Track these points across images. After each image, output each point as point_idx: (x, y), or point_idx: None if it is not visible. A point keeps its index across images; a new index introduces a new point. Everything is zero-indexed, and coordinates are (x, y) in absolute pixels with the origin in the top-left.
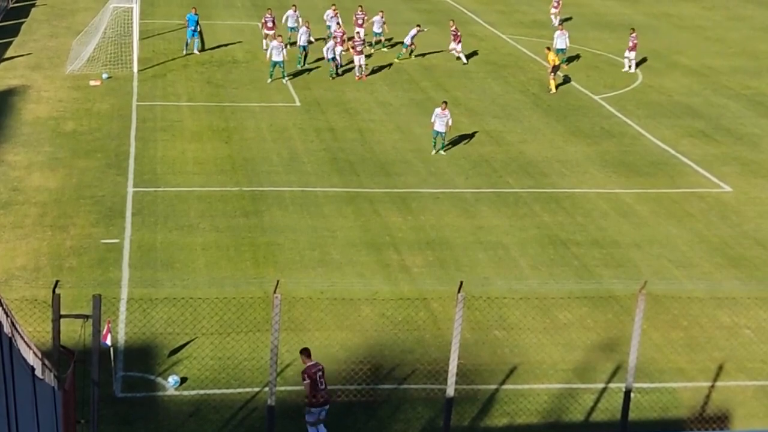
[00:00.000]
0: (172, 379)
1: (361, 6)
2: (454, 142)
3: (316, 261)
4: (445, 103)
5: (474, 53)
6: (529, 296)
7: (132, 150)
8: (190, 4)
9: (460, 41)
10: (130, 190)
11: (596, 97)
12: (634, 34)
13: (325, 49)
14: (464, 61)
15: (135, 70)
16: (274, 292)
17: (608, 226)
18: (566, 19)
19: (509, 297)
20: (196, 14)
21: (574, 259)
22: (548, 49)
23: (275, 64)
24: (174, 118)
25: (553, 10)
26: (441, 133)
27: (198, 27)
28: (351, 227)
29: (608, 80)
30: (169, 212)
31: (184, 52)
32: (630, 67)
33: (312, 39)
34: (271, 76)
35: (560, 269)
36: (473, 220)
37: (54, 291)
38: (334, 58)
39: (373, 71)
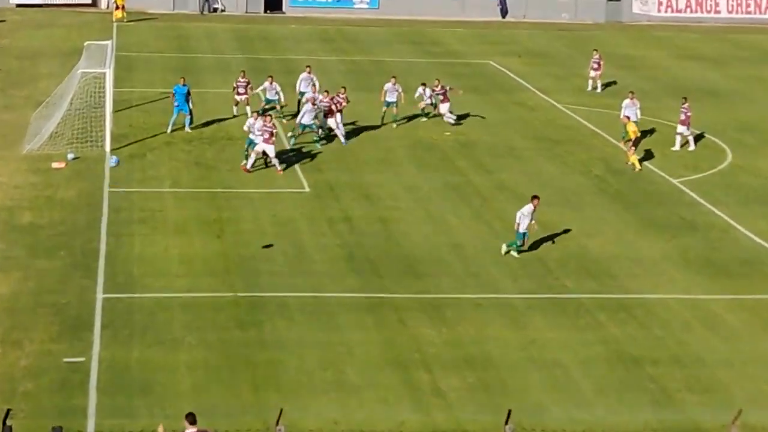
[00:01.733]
0: None
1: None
2: (497, 235)
3: (328, 384)
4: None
5: (523, 127)
6: (594, 428)
7: (102, 247)
8: (174, 69)
9: (448, 101)
10: (100, 296)
11: (675, 181)
12: (686, 105)
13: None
14: (452, 120)
15: (107, 149)
16: (277, 423)
17: (692, 341)
18: (609, 84)
19: (569, 429)
20: (184, 85)
21: (650, 382)
22: (627, 118)
23: (251, 141)
24: (155, 207)
25: (592, 73)
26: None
27: (189, 102)
28: (372, 341)
29: (690, 160)
30: (148, 324)
31: (169, 130)
32: (687, 143)
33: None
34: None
35: (633, 394)
36: (523, 333)
37: (4, 423)
38: (311, 126)
39: (400, 147)
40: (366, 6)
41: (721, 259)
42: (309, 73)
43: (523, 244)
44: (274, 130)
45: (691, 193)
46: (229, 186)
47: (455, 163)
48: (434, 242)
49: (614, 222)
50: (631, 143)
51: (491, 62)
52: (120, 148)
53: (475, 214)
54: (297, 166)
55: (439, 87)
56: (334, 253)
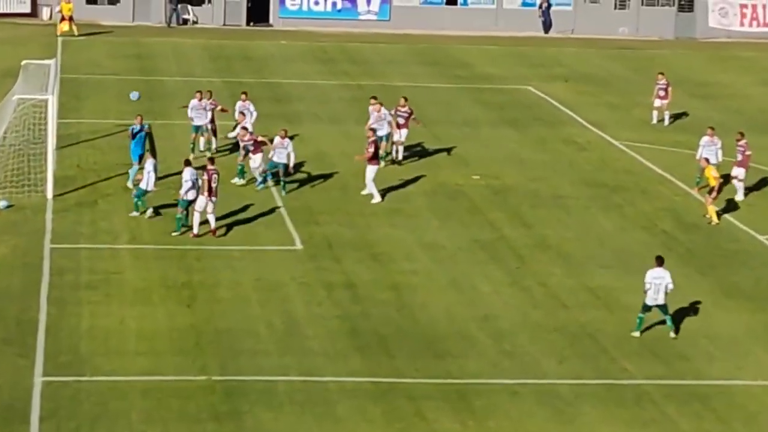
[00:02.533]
0: None
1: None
2: (537, 304)
3: None
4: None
5: (571, 169)
6: None
7: (42, 318)
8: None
9: (407, 128)
10: (39, 379)
11: (762, 238)
12: (742, 141)
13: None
14: (399, 157)
15: (49, 195)
16: None
17: None
18: (679, 116)
19: None
20: (141, 124)
21: None
22: (706, 160)
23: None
24: (108, 268)
25: (657, 101)
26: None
27: (148, 144)
28: None
29: None
30: (99, 414)
31: (130, 184)
32: (738, 191)
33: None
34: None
35: None
36: (571, 427)
37: None
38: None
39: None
40: (374, 17)
41: None
42: (244, 101)
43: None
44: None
45: None
46: (203, 242)
47: (486, 214)
48: (459, 314)
49: (686, 289)
50: (709, 191)
51: (531, 88)
52: (65, 194)
53: (511, 280)
54: (287, 218)
55: (406, 108)
56: (333, 326)
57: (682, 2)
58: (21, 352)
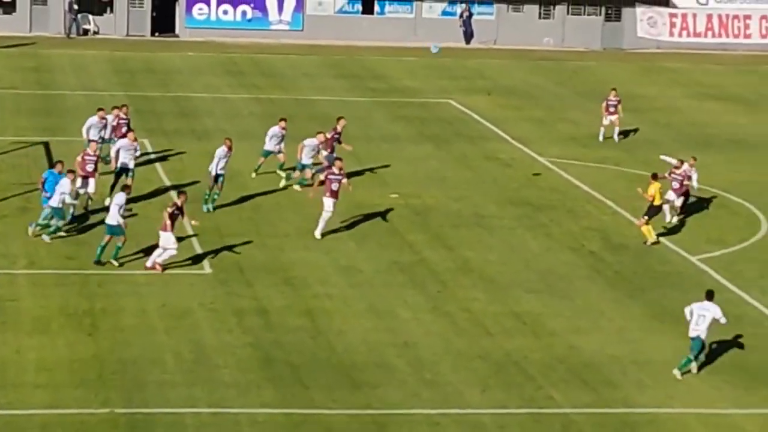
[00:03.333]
0: None
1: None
2: (460, 331)
3: None
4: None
5: (495, 188)
6: None
7: None
8: (32, 110)
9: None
10: None
11: (694, 259)
12: (683, 168)
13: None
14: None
15: None
16: None
17: None
18: (628, 132)
19: None
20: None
21: None
22: (654, 178)
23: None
24: (4, 295)
25: (606, 119)
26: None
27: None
28: None
29: (713, 231)
30: None
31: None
32: (672, 217)
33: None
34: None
35: None
36: None
37: None
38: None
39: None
40: (286, 27)
41: (756, 362)
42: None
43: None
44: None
45: (715, 275)
46: (105, 267)
47: (406, 236)
48: (378, 341)
49: (614, 314)
50: (646, 209)
51: (452, 102)
52: None
53: (432, 305)
54: (194, 239)
55: (339, 128)
56: (244, 355)
57: (609, 11)
58: None
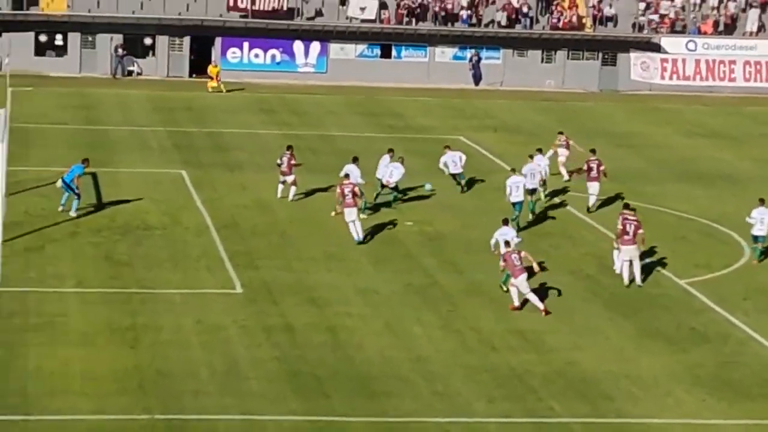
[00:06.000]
0: None
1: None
2: (468, 347)
3: None
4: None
5: (501, 217)
6: None
7: None
8: (80, 144)
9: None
10: None
11: (682, 282)
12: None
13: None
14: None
15: None
16: None
17: None
18: (624, 167)
19: None
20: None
21: None
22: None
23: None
24: (55, 311)
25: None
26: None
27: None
28: None
29: (701, 257)
30: None
31: (61, 208)
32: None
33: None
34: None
35: None
36: None
37: None
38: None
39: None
40: (312, 70)
41: (739, 378)
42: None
43: None
44: None
45: (702, 297)
46: (146, 286)
47: (420, 260)
48: (393, 356)
49: (610, 332)
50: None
51: (462, 138)
52: (13, 239)
53: (443, 323)
54: (227, 262)
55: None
56: (271, 368)
57: (606, 56)
58: None
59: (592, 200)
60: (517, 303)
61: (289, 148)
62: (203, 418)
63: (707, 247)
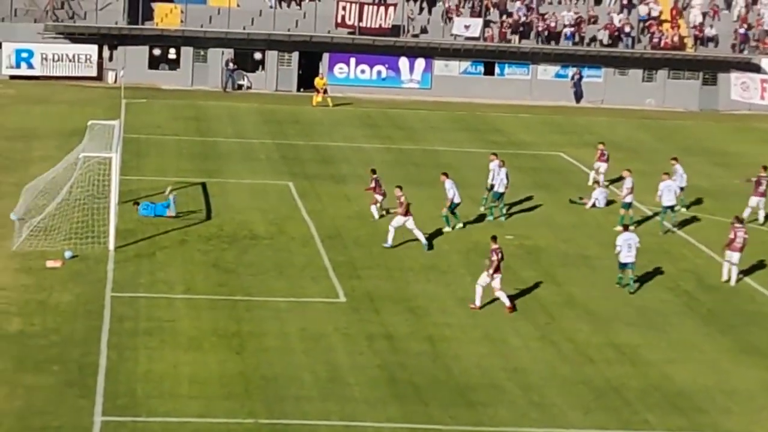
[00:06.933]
0: None
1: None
2: (565, 358)
3: None
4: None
5: (599, 232)
6: None
7: (103, 361)
8: (191, 154)
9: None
10: (98, 419)
11: None
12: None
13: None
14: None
15: (111, 246)
16: None
17: None
18: (723, 184)
19: None
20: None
21: None
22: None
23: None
24: (164, 316)
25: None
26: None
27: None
28: None
29: None
30: None
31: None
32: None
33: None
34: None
35: None
36: None
37: None
38: None
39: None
40: (416, 86)
41: None
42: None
43: None
44: None
45: None
46: (252, 294)
47: (518, 272)
48: (491, 366)
49: (706, 347)
50: None
51: (562, 154)
52: (126, 245)
53: (540, 334)
54: (331, 272)
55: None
56: (372, 375)
57: (707, 76)
58: (82, 393)
59: (747, 212)
60: (478, 303)
61: (374, 171)
62: (305, 423)
63: None
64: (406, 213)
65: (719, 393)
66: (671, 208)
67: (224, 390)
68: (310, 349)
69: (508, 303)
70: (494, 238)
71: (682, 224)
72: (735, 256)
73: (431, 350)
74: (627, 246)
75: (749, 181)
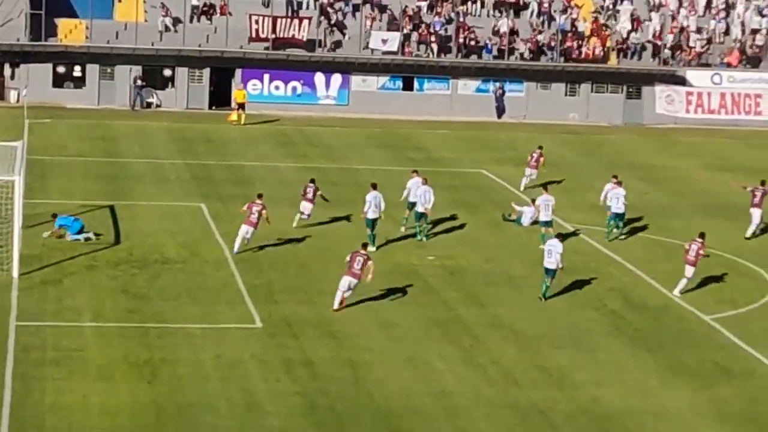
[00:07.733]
0: None
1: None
2: (491, 382)
3: None
4: None
5: (523, 250)
6: None
7: (7, 394)
8: (99, 176)
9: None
10: None
11: (707, 318)
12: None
13: None
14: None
15: (15, 273)
16: None
17: None
18: (645, 199)
19: None
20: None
21: None
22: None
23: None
24: (72, 345)
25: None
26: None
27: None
28: None
29: (725, 293)
30: None
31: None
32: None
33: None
34: None
35: None
36: None
37: None
38: None
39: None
40: (333, 102)
41: (764, 413)
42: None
43: None
44: None
45: (727, 333)
46: (164, 320)
47: (441, 294)
48: (414, 391)
49: (633, 368)
50: None
51: (484, 171)
52: (30, 272)
53: (465, 357)
54: (246, 296)
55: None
56: (291, 403)
57: (631, 89)
58: None
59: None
60: (336, 305)
61: (313, 181)
62: None
63: (731, 283)
64: (256, 224)
65: (648, 415)
66: (619, 216)
67: (136, 420)
68: (225, 376)
69: (336, 305)
70: (364, 246)
71: (606, 242)
72: (688, 270)
73: (352, 375)
74: (548, 252)
75: (745, 188)
